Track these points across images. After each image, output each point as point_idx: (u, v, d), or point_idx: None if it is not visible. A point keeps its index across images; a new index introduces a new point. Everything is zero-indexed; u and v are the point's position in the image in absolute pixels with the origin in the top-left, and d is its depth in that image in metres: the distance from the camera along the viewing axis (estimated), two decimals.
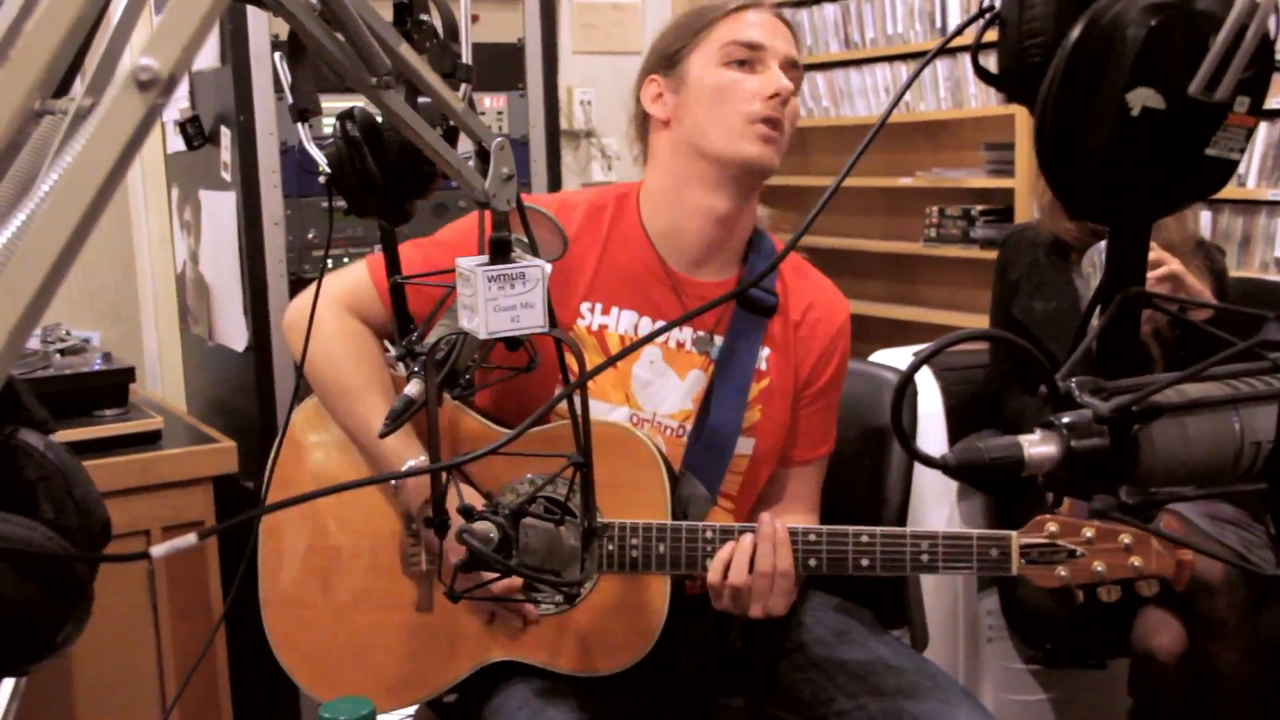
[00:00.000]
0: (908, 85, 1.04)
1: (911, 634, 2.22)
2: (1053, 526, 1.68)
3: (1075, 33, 0.77)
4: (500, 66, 3.20)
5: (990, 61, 0.91)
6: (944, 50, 3.89)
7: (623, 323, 1.87)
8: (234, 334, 3.00)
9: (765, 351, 1.90)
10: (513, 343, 1.20)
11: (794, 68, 1.85)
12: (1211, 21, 0.74)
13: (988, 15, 0.87)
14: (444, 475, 1.42)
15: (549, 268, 1.23)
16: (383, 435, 1.39)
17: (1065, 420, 0.83)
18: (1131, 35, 0.75)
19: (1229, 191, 2.94)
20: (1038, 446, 0.82)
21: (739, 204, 1.86)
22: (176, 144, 3.12)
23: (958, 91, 3.82)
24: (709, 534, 1.73)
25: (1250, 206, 3.20)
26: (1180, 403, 0.84)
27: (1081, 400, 0.84)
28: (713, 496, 1.86)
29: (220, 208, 3.00)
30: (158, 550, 0.82)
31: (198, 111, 3.05)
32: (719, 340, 1.89)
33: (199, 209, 3.16)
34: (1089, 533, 1.64)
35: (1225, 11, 0.74)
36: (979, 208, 3.89)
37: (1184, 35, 0.75)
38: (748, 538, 1.71)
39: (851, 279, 4.30)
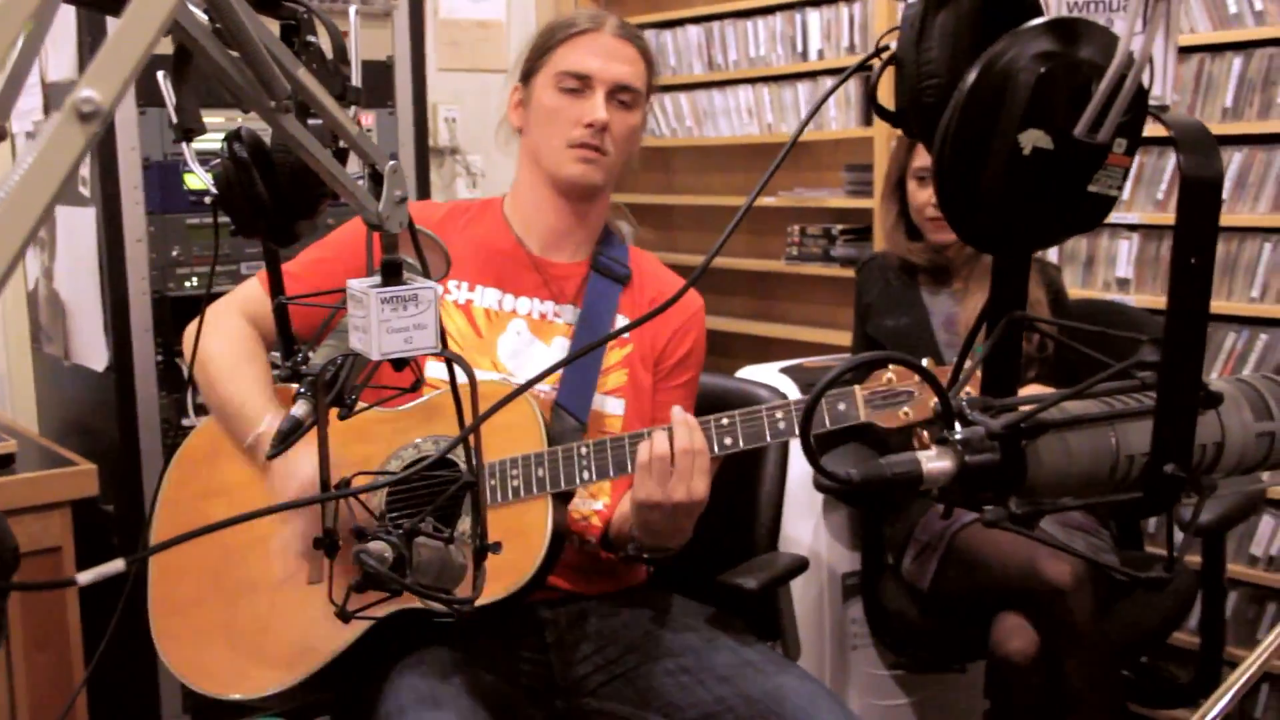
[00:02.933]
0: (813, 113, 1.08)
1: (783, 644, 2.27)
2: (889, 374, 1.81)
3: (971, 76, 0.81)
4: (369, 84, 3.20)
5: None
6: (805, 75, 3.98)
7: (487, 298, 2.03)
8: (93, 353, 2.93)
9: (625, 320, 2.05)
10: (400, 362, 1.22)
11: (625, 91, 2.00)
12: (1094, 69, 0.80)
13: (885, 56, 0.92)
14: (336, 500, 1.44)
15: (440, 289, 1.26)
16: (270, 457, 1.40)
17: (960, 437, 0.88)
18: (1023, 80, 0.79)
19: None
20: (935, 462, 0.87)
21: (578, 205, 2.05)
22: None
23: (819, 114, 3.90)
24: (583, 450, 1.84)
25: (1093, 230, 3.33)
26: (1063, 419, 0.89)
27: (973, 418, 0.90)
28: (583, 425, 1.97)
29: (78, 224, 2.91)
30: (84, 577, 0.82)
31: None
32: (577, 310, 2.05)
33: (54, 225, 3.07)
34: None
35: (1106, 61, 0.79)
36: (839, 227, 3.95)
37: (1070, 82, 0.80)
38: (664, 431, 1.80)
39: (715, 296, 4.34)
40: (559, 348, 2.02)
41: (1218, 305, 3.09)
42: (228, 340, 1.94)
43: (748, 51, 4.17)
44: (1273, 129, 3.02)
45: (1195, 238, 0.81)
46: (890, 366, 1.85)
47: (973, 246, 0.90)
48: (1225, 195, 3.08)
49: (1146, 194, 3.23)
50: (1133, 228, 3.26)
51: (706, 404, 2.17)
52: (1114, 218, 3.23)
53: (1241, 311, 3.08)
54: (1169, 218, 3.15)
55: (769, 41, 4.09)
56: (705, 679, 1.91)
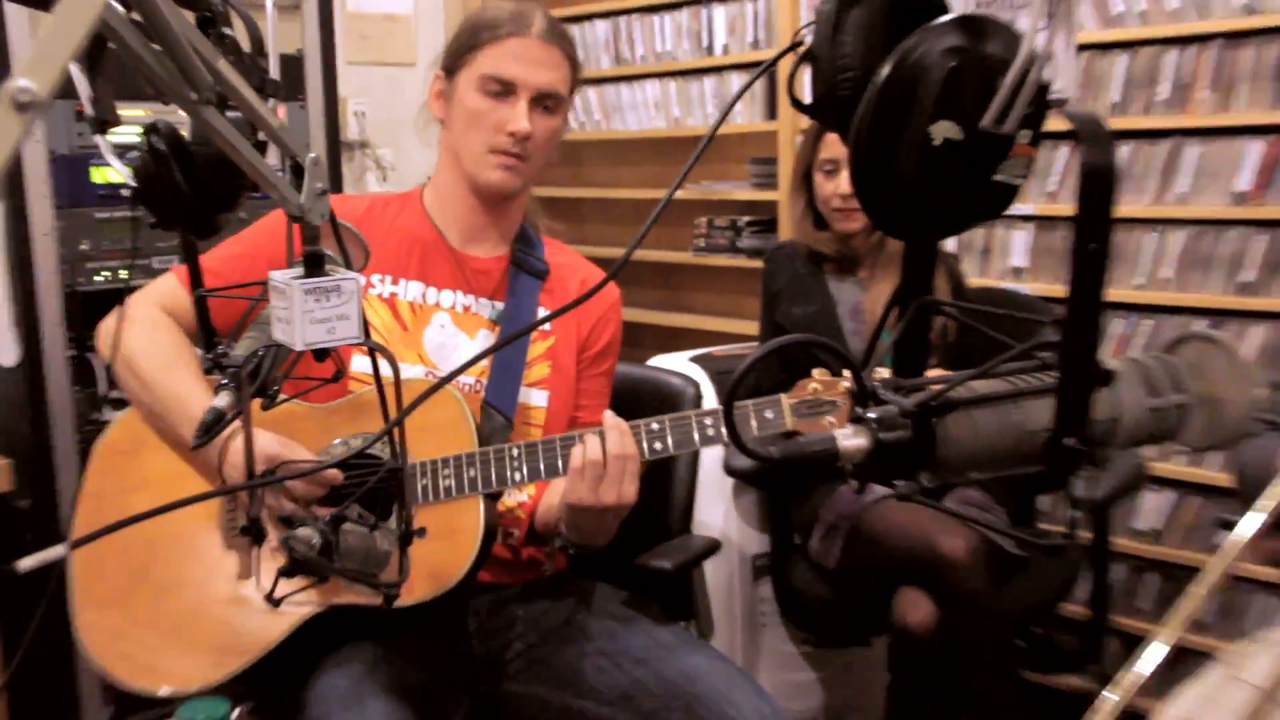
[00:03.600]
0: (730, 106, 1.10)
1: (697, 624, 2.30)
2: (815, 385, 1.84)
3: (885, 70, 0.83)
4: (281, 78, 3.17)
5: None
6: (711, 70, 4.01)
7: (410, 291, 2.01)
8: (2, 349, 2.84)
9: (543, 313, 2.06)
10: (322, 353, 1.22)
11: (549, 97, 1.97)
12: (1000, 64, 0.82)
13: (800, 50, 0.94)
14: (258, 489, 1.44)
15: (362, 280, 1.26)
16: (195, 448, 1.39)
17: (873, 415, 0.90)
18: (934, 74, 0.81)
19: None
20: (850, 439, 0.89)
21: (495, 204, 2.03)
22: None
23: (725, 108, 3.92)
24: (515, 451, 1.83)
25: (989, 221, 3.39)
26: (970, 398, 0.92)
27: (886, 397, 0.92)
28: (510, 422, 1.96)
29: None
30: (25, 563, 0.81)
31: None
32: (500, 304, 2.04)
33: None
34: (845, 384, 1.80)
35: (1011, 56, 0.82)
36: (745, 219, 3.98)
37: (977, 76, 0.82)
38: (596, 435, 1.81)
39: (625, 287, 4.34)
40: (483, 340, 2.01)
41: (1111, 293, 3.16)
42: (152, 339, 1.89)
43: (654, 46, 4.18)
44: (1156, 124, 3.09)
45: (1093, 224, 0.83)
46: (815, 376, 1.87)
47: (886, 233, 0.92)
48: None
49: (1039, 186, 3.30)
50: (1027, 218, 3.32)
51: (620, 393, 2.19)
52: (1009, 209, 3.29)
53: (1128, 298, 3.15)
54: (1061, 209, 3.23)
55: (675, 37, 4.11)
56: (622, 662, 1.93)
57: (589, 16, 4.32)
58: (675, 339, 3.95)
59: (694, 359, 3.16)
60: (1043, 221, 3.31)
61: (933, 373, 2.52)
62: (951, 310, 1.11)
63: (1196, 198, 3.07)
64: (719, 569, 2.98)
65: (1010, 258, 3.36)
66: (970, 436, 0.91)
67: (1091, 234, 0.84)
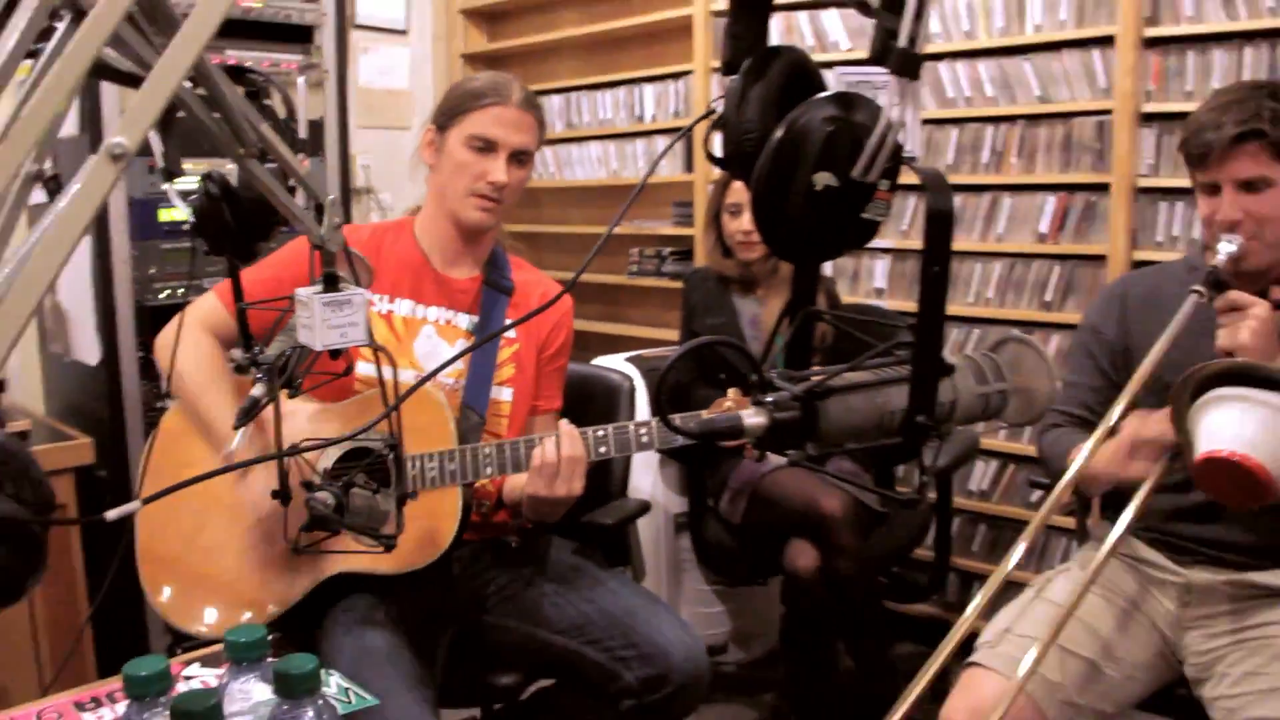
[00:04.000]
0: (656, 162, 1.11)
1: (633, 569, 2.31)
2: (729, 403, 1.84)
3: (779, 133, 0.85)
4: (307, 139, 3.15)
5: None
6: (642, 134, 4.01)
7: (403, 308, 1.99)
8: (88, 351, 2.86)
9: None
10: (335, 352, 1.23)
11: (524, 153, 1.97)
12: (865, 129, 0.83)
13: (714, 116, 0.95)
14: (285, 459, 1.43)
15: (369, 295, 1.26)
16: (237, 427, 1.39)
17: (770, 399, 0.91)
18: (816, 136, 0.82)
19: None
20: (752, 418, 0.90)
21: (472, 235, 2.01)
22: (38, 196, 2.91)
23: (651, 164, 3.93)
24: (487, 451, 1.82)
25: (857, 251, 3.42)
26: (845, 385, 0.93)
27: (780, 385, 0.93)
28: (483, 419, 1.95)
29: (78, 248, 2.81)
30: (111, 514, 0.81)
31: (59, 171, 2.86)
32: (475, 318, 2.02)
33: None
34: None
35: (874, 123, 0.83)
36: (668, 249, 3.99)
37: (849, 138, 0.83)
38: (552, 440, 1.80)
39: (575, 302, 4.34)
40: (461, 348, 1.99)
41: (949, 308, 3.20)
42: (195, 358, 1.87)
43: (598, 115, 4.18)
44: (979, 181, 3.14)
45: (937, 253, 0.85)
46: (729, 395, 1.88)
47: (780, 258, 0.93)
48: None
49: (895, 226, 3.33)
50: (886, 250, 3.35)
51: (572, 385, 2.19)
52: (871, 243, 3.33)
53: (962, 313, 3.19)
54: (912, 244, 3.27)
55: (614, 108, 4.11)
56: (573, 599, 1.93)
57: (548, 91, 4.32)
58: (615, 344, 3.94)
59: (629, 359, 3.17)
60: (898, 254, 3.34)
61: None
62: (830, 319, 1.12)
63: (1010, 237, 3.11)
64: (649, 525, 2.99)
65: (874, 281, 3.39)
66: (845, 415, 0.92)
67: (935, 261, 0.85)
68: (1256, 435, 1.35)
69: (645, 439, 1.84)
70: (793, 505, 2.52)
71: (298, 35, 3.15)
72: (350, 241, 1.73)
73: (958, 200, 3.18)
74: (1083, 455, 1.63)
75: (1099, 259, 2.92)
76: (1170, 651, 1.83)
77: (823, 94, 0.86)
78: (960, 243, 3.17)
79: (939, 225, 0.85)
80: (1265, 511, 1.77)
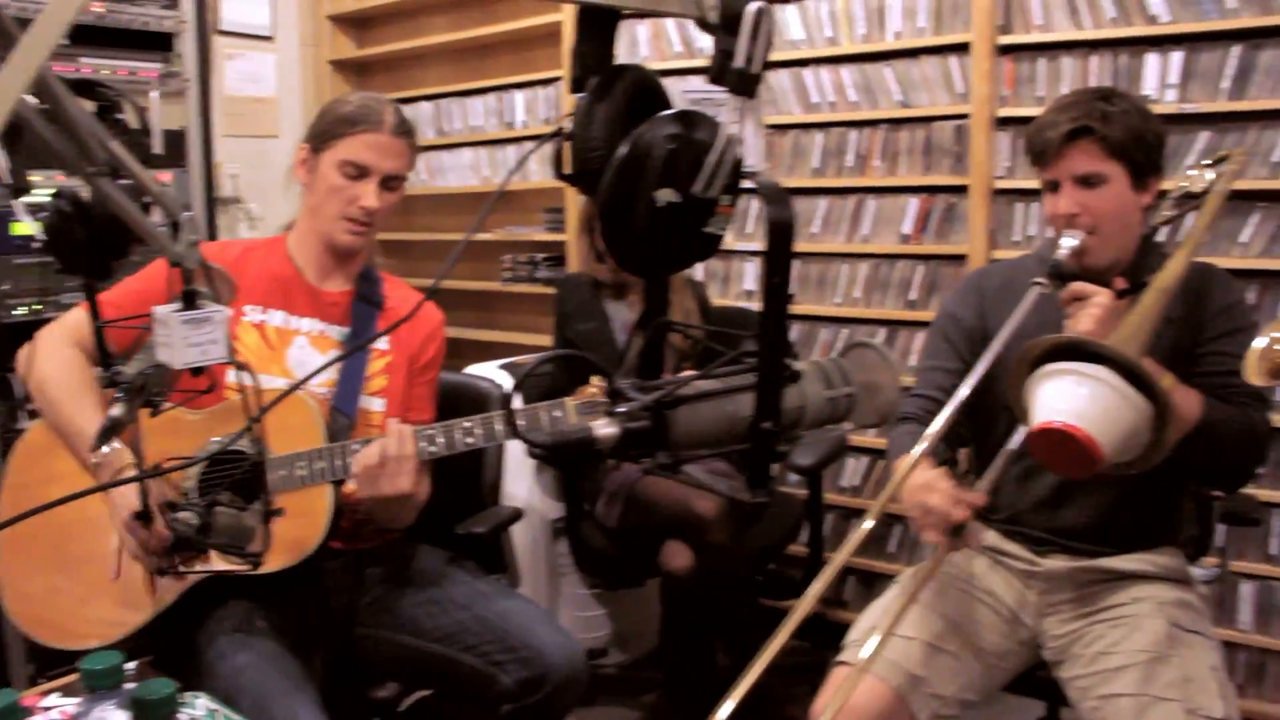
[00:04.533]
0: (510, 175, 1.11)
1: (509, 576, 2.30)
2: (593, 390, 1.85)
3: (623, 150, 0.87)
4: (168, 149, 3.06)
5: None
6: (512, 140, 4.01)
7: (275, 319, 1.99)
8: None
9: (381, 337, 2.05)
10: (198, 370, 1.21)
11: (395, 179, 1.98)
12: (705, 146, 0.86)
13: (563, 133, 0.96)
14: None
15: (229, 311, 1.25)
16: (94, 449, 1.36)
17: (621, 410, 0.93)
18: (658, 153, 0.85)
19: None
20: (604, 429, 0.92)
21: (344, 253, 2.02)
22: None
23: (524, 168, 3.92)
24: (354, 447, 1.81)
25: (727, 255, 3.47)
26: (695, 394, 0.96)
27: (631, 395, 0.95)
28: (353, 423, 1.94)
29: None
30: None
31: None
32: (346, 329, 2.02)
33: None
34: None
35: (714, 140, 0.86)
36: (541, 255, 3.98)
37: (690, 155, 0.86)
38: (379, 440, 1.80)
39: (449, 310, 4.29)
40: (332, 358, 1.98)
41: (816, 309, 3.28)
42: (61, 367, 1.83)
43: (468, 121, 4.16)
44: (845, 184, 3.22)
45: (777, 264, 0.88)
46: (593, 383, 1.89)
47: (627, 270, 0.95)
48: (816, 231, 3.28)
49: (763, 229, 3.38)
50: (755, 254, 3.40)
51: (444, 394, 2.18)
52: (741, 246, 3.39)
53: (830, 313, 3.26)
54: None
55: (484, 114, 4.10)
56: (447, 607, 1.93)
57: (418, 98, 4.28)
58: (490, 351, 3.93)
59: (502, 366, 3.16)
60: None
61: (687, 374, 2.58)
62: (681, 329, 1.14)
63: (875, 238, 3.20)
64: (527, 530, 2.99)
65: (744, 283, 3.44)
66: (695, 423, 0.95)
67: (776, 271, 0.88)
68: (1085, 407, 1.40)
69: (470, 439, 1.83)
70: (667, 507, 2.54)
71: (157, 43, 3.07)
72: (222, 258, 1.71)
73: (824, 204, 3.26)
74: (898, 475, 1.66)
75: (960, 258, 3.02)
76: (1030, 637, 1.91)
77: (666, 112, 0.88)
78: (827, 245, 3.25)
79: (779, 236, 0.88)
80: (1113, 499, 1.86)
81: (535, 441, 0.90)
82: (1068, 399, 1.41)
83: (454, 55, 4.30)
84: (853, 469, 3.27)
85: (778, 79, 3.31)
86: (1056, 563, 1.91)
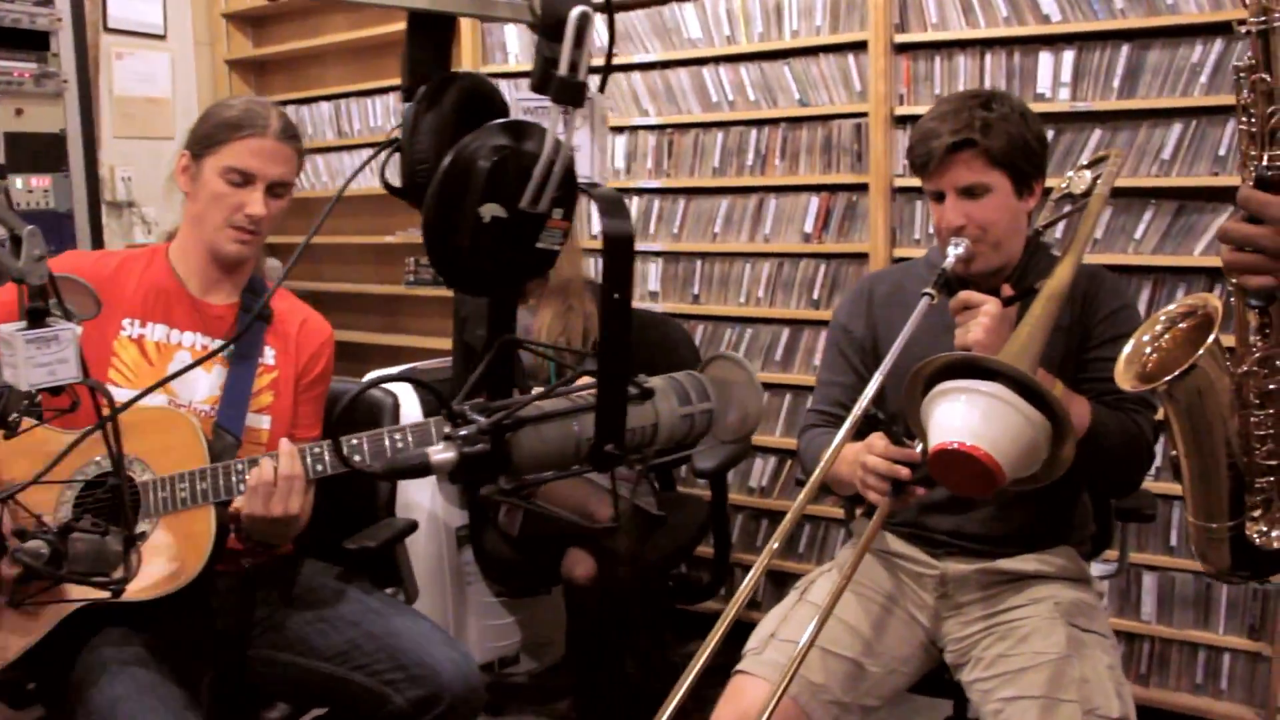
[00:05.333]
0: (349, 180, 1.07)
1: (404, 590, 2.26)
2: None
3: (445, 162, 0.83)
4: (46, 152, 2.96)
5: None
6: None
7: (156, 333, 1.92)
8: None
9: (271, 351, 1.98)
10: (56, 389, 1.17)
11: (281, 185, 1.91)
12: (534, 158, 0.82)
13: (391, 144, 0.92)
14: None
15: (79, 329, 1.20)
16: None
17: (460, 434, 0.89)
18: (481, 166, 0.81)
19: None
20: (441, 454, 0.87)
21: (230, 263, 1.95)
22: None
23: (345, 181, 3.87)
24: (239, 466, 1.77)
25: (543, 274, 3.44)
26: (539, 415, 0.92)
27: (471, 418, 0.91)
28: (239, 441, 1.88)
29: None
30: None
31: None
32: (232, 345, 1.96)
33: None
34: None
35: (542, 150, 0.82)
36: None
37: (516, 166, 0.82)
38: (270, 459, 1.75)
39: (353, 314, 4.25)
40: (217, 374, 1.92)
41: (720, 309, 3.27)
42: None
43: (369, 122, 4.09)
44: (746, 183, 3.21)
45: (618, 279, 0.84)
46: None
47: (456, 290, 0.91)
48: (719, 231, 3.26)
49: (666, 229, 3.37)
50: (658, 254, 3.38)
51: (336, 406, 2.12)
52: (644, 247, 3.36)
53: (735, 313, 3.25)
54: (684, 246, 3.31)
55: (385, 114, 4.03)
56: (338, 624, 1.88)
57: (317, 99, 4.20)
58: (396, 355, 3.87)
59: (401, 374, 3.09)
60: (669, 256, 3.38)
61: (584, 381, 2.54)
62: (529, 346, 1.09)
63: (777, 237, 3.19)
64: (430, 540, 2.93)
65: (648, 284, 3.42)
66: (539, 446, 0.92)
67: (616, 286, 0.85)
68: (980, 425, 1.39)
69: (357, 457, 1.77)
70: (568, 513, 2.51)
71: (32, 42, 2.96)
72: (96, 270, 1.63)
73: (726, 203, 3.24)
74: (825, 460, 1.65)
75: (862, 257, 3.03)
76: (930, 641, 1.90)
77: (496, 122, 0.84)
78: (730, 244, 3.24)
79: (618, 249, 0.84)
80: (1010, 501, 1.86)
81: (368, 471, 0.86)
82: (964, 418, 1.40)
83: (353, 54, 4.22)
84: (761, 469, 3.26)
85: (677, 78, 3.29)
86: (955, 565, 1.90)
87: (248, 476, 1.74)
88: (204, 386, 1.91)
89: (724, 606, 3.17)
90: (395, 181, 0.92)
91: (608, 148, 0.88)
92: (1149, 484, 2.49)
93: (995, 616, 1.85)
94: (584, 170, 0.86)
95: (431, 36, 0.92)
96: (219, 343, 1.94)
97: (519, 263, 0.83)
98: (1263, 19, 1.09)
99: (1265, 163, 1.13)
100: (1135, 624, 2.76)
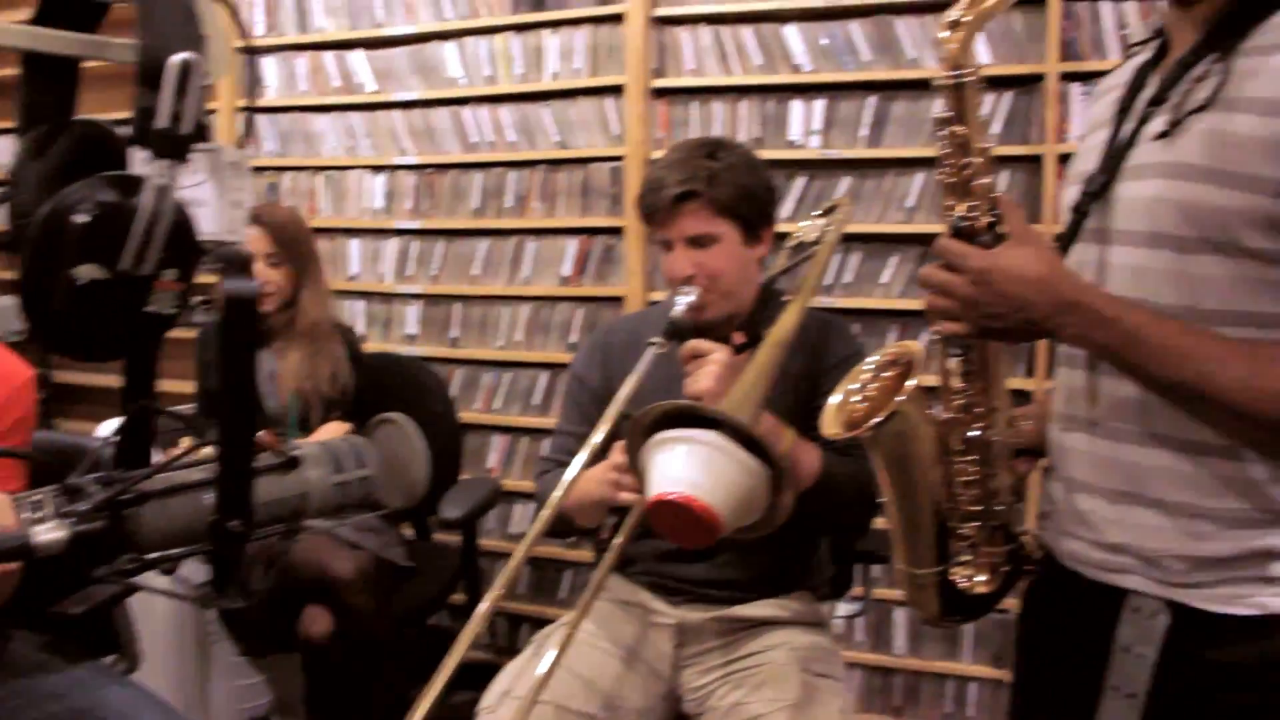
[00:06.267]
0: None
1: (124, 656, 2.11)
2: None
3: (40, 215, 0.76)
4: None
5: None
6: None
7: None
8: None
9: None
10: None
11: None
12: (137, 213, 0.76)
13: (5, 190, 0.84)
14: None
15: None
16: None
17: (75, 509, 0.82)
18: (75, 223, 0.75)
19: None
20: (47, 534, 0.80)
21: None
22: None
23: None
24: None
25: (388, 298, 3.37)
26: (165, 488, 0.86)
27: (89, 491, 0.84)
28: None
29: None
30: None
31: None
32: None
33: None
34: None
35: (158, 209, 0.76)
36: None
37: (120, 224, 0.76)
38: None
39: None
40: None
41: (478, 353, 3.23)
42: None
43: None
44: (505, 225, 3.18)
45: (236, 342, 0.79)
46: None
47: (60, 354, 0.84)
48: (478, 273, 3.23)
49: (425, 272, 3.31)
50: (418, 296, 3.32)
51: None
52: (402, 289, 3.30)
53: (490, 357, 3.22)
54: (442, 288, 3.26)
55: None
56: (35, 699, 1.73)
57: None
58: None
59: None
60: (429, 299, 3.32)
61: (329, 426, 2.47)
62: (171, 414, 1.01)
63: (536, 280, 3.19)
64: (172, 600, 2.77)
65: (406, 327, 3.35)
66: (165, 521, 0.86)
67: (235, 349, 0.80)
68: (698, 475, 1.39)
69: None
70: (304, 569, 2.42)
71: None
72: None
73: (485, 245, 3.21)
74: (564, 481, 1.62)
75: (618, 300, 3.05)
76: (669, 690, 1.90)
77: (103, 175, 0.78)
78: (488, 287, 3.21)
79: (239, 311, 0.79)
80: (749, 547, 1.88)
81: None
82: (681, 468, 1.39)
83: None
84: (521, 514, 3.23)
85: (438, 117, 3.24)
86: (691, 613, 1.91)
87: None
88: None
89: (489, 656, 3.14)
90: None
91: (243, 200, 0.83)
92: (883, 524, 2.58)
93: (732, 664, 1.86)
94: (210, 226, 0.81)
95: (51, 78, 0.85)
96: None
97: (127, 327, 0.77)
98: (956, 73, 1.13)
99: (963, 213, 1.17)
100: (887, 658, 2.85)
